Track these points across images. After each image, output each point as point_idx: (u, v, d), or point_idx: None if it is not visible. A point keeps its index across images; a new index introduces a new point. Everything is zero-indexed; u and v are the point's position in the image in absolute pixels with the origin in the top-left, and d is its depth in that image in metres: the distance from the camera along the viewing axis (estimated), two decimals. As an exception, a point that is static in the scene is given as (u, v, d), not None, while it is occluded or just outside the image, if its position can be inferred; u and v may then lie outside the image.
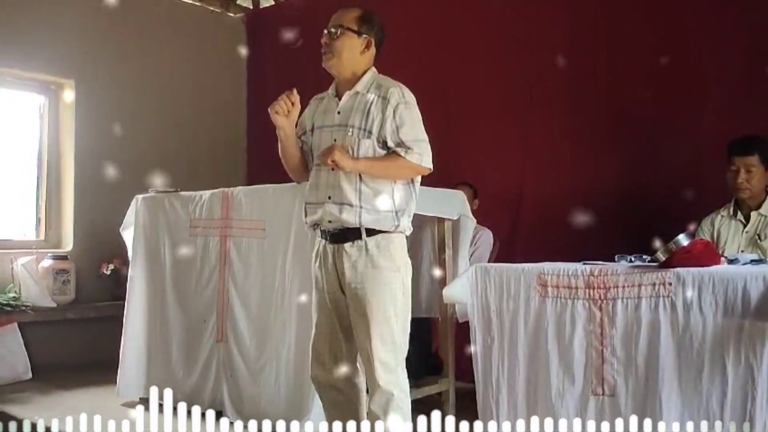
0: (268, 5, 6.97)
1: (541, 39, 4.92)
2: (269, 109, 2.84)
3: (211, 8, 6.71)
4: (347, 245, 2.80)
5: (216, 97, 6.55)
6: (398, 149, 2.79)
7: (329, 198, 2.82)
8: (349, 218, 2.78)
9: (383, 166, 2.81)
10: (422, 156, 2.80)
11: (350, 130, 2.81)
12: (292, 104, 2.84)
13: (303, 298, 3.45)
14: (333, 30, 2.86)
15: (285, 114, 2.84)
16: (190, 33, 6.47)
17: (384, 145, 2.81)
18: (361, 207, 2.78)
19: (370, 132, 2.80)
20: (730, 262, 3.00)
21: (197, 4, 6.60)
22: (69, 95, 5.81)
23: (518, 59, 4.98)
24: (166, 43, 6.26)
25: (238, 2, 6.92)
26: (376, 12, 2.96)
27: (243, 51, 6.75)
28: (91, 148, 5.76)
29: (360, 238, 2.79)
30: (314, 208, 2.88)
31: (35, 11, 5.51)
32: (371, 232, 2.79)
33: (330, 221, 2.82)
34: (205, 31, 6.58)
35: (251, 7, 6.98)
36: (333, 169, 2.80)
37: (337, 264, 2.83)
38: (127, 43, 6.02)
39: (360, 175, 2.80)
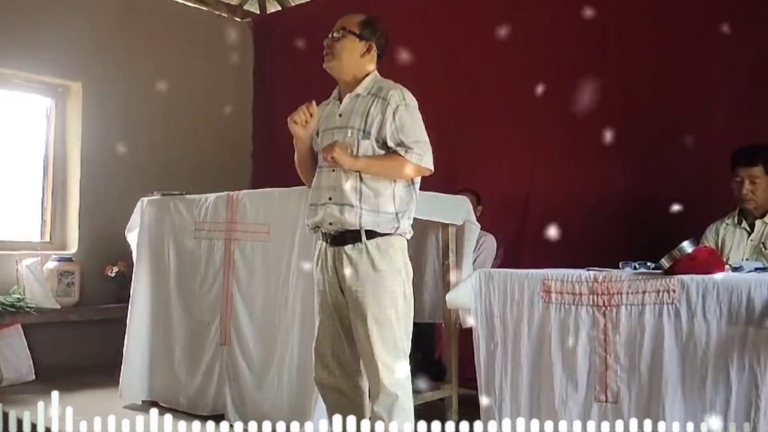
0: (275, 11, 6.99)
1: (549, 46, 4.93)
2: (288, 119, 2.86)
3: (219, 13, 6.73)
4: (347, 248, 2.80)
5: (222, 101, 6.55)
6: (398, 149, 2.79)
7: (330, 199, 2.82)
8: (350, 219, 2.77)
9: (382, 165, 2.81)
10: (422, 156, 2.79)
11: (350, 131, 2.83)
12: (311, 115, 2.85)
13: (307, 301, 3.46)
14: (336, 33, 2.90)
15: (303, 125, 2.86)
16: (197, 37, 6.50)
17: (383, 145, 2.82)
18: (361, 208, 2.78)
19: (368, 133, 2.81)
20: (735, 269, 2.99)
21: (204, 8, 6.63)
22: (76, 98, 5.83)
23: (526, 66, 4.99)
24: (173, 46, 6.28)
25: (245, 7, 6.94)
26: (381, 19, 2.98)
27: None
28: (98, 150, 5.78)
29: (360, 240, 2.79)
30: (315, 209, 2.88)
31: (43, 14, 5.54)
32: (371, 235, 2.79)
33: (330, 223, 2.81)
34: (212, 36, 6.61)
35: (258, 12, 7.00)
36: (333, 170, 2.82)
37: (337, 267, 2.83)
38: (134, 46, 6.05)
39: (360, 176, 2.79)
